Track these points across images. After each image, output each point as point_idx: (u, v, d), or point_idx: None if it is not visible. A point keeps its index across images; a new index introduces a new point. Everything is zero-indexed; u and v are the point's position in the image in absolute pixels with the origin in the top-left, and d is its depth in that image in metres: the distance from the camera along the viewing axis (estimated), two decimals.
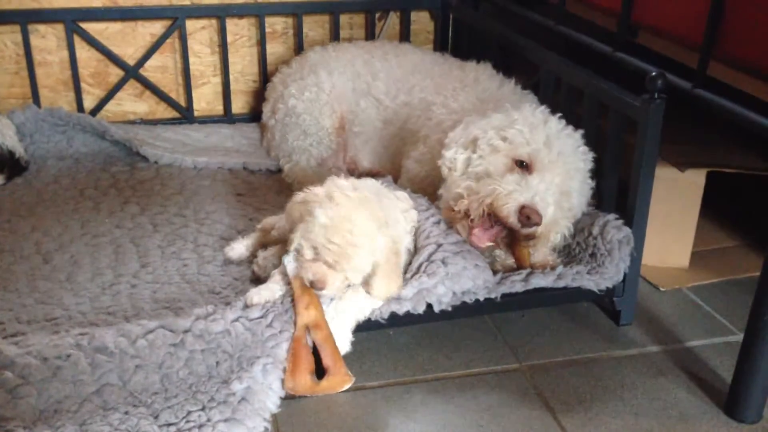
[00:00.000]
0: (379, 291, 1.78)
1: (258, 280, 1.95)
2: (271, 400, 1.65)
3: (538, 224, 1.81)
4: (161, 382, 1.66)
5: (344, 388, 1.74)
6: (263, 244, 2.06)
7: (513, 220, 1.82)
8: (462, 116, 2.13)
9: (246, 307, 1.76)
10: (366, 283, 1.78)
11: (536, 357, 1.91)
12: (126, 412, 1.59)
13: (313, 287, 1.73)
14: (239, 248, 2.08)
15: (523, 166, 1.87)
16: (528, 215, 1.80)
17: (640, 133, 1.86)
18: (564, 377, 1.84)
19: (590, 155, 1.96)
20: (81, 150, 2.77)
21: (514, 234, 1.88)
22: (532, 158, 1.86)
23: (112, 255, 2.15)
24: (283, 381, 1.68)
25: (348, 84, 2.61)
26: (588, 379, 1.83)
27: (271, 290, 1.77)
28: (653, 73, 1.80)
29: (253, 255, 2.04)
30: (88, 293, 1.97)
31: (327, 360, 1.72)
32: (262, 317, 1.72)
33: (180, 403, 1.62)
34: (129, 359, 1.66)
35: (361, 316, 1.79)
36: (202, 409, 1.60)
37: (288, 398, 1.70)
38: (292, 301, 1.75)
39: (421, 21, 3.13)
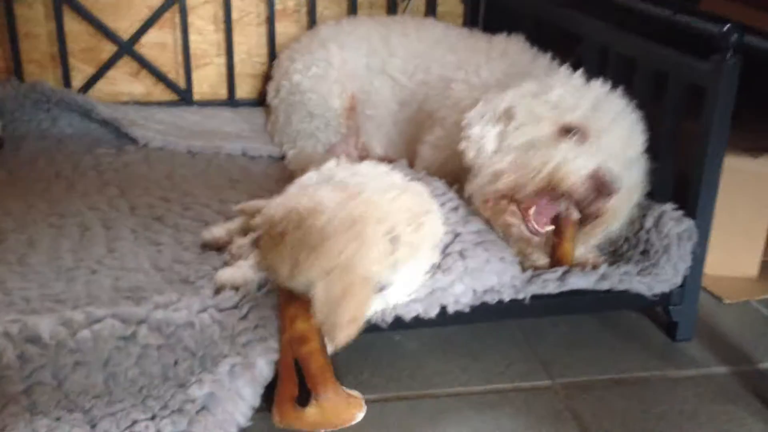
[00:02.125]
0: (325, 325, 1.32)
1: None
2: (240, 411, 1.32)
3: (612, 195, 1.49)
4: (105, 384, 1.34)
5: (355, 419, 1.35)
6: (246, 231, 1.75)
7: (583, 190, 1.50)
8: (484, 93, 1.82)
9: (216, 291, 1.44)
10: None
11: (573, 374, 1.57)
12: (57, 418, 1.28)
13: None
14: (218, 231, 1.77)
15: (572, 135, 1.55)
16: (602, 182, 1.48)
17: (709, 102, 1.53)
18: (607, 399, 1.49)
19: (642, 124, 1.64)
20: (65, 131, 2.49)
21: (562, 221, 1.57)
22: (584, 124, 1.54)
23: (76, 238, 1.84)
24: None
25: (361, 60, 2.30)
26: (637, 403, 1.48)
27: (244, 274, 1.45)
28: (726, 27, 1.47)
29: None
30: (38, 278, 1.66)
31: (309, 380, 1.33)
32: (235, 307, 1.40)
33: (125, 409, 1.30)
34: (67, 354, 1.34)
35: None
36: (152, 419, 1.29)
37: (262, 410, 1.37)
38: (279, 313, 1.40)
39: (449, 2, 2.82)
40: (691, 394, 1.52)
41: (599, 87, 1.64)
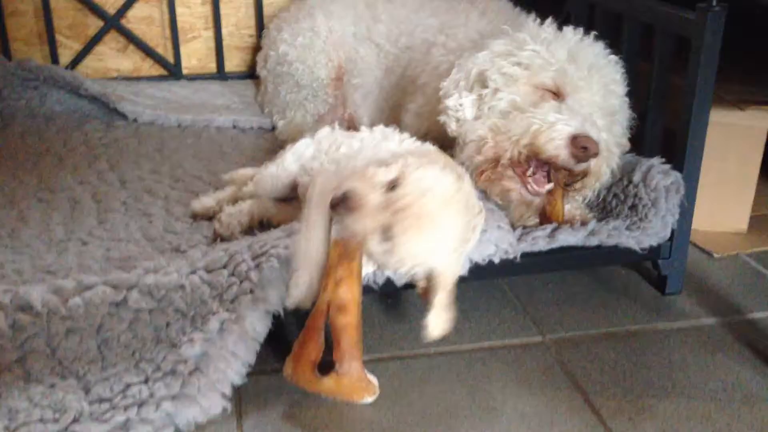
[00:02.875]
0: (434, 326, 1.32)
1: (222, 239, 1.63)
2: (233, 369, 1.31)
3: (596, 155, 1.48)
4: (98, 349, 1.35)
5: (363, 401, 1.35)
6: (235, 200, 1.75)
7: (564, 155, 1.49)
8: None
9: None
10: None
11: (564, 329, 1.58)
12: (52, 385, 1.29)
13: None
14: (207, 201, 1.77)
15: (549, 94, 1.54)
16: (584, 145, 1.46)
17: (694, 53, 1.52)
18: (598, 353, 1.50)
19: (621, 65, 1.62)
20: (55, 108, 2.49)
21: (555, 179, 1.56)
22: (560, 81, 1.53)
23: (67, 211, 1.85)
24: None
25: (348, 29, 2.28)
26: (628, 356, 1.49)
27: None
28: None
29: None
30: (30, 250, 1.67)
31: (337, 352, 1.32)
32: (224, 267, 1.40)
33: (118, 373, 1.31)
34: (59, 321, 1.34)
35: None
36: (145, 382, 1.29)
37: (256, 374, 1.38)
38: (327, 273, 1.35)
39: None
40: (681, 344, 1.52)
41: (571, 36, 1.61)
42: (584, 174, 1.55)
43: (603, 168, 1.56)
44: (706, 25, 1.48)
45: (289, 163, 1.59)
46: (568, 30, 1.62)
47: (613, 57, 1.62)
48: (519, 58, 1.59)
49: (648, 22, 1.68)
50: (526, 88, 1.58)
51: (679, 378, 1.43)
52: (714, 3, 1.47)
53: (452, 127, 1.67)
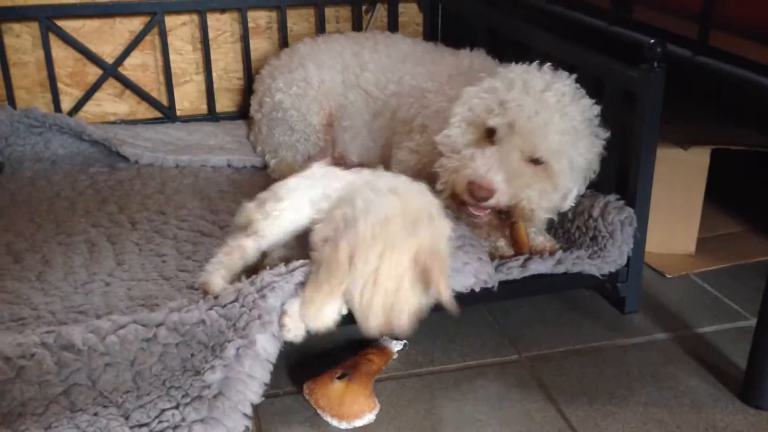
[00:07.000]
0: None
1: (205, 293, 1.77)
2: (251, 390, 1.49)
3: (486, 198, 1.72)
4: (133, 380, 1.54)
5: (360, 417, 1.57)
6: None
7: (467, 197, 1.74)
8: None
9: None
10: None
11: (537, 347, 1.80)
12: (95, 413, 1.47)
13: None
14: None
15: (492, 135, 1.76)
16: (471, 191, 1.72)
17: (639, 106, 1.76)
18: (567, 368, 1.73)
19: (584, 111, 1.77)
20: (58, 152, 2.66)
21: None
22: (496, 125, 1.75)
23: (86, 254, 2.03)
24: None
25: (337, 77, 2.50)
26: (592, 369, 1.72)
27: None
28: (651, 41, 1.70)
29: None
30: (59, 292, 1.85)
31: (355, 367, 1.63)
32: (235, 300, 1.59)
33: (153, 401, 1.49)
34: (98, 357, 1.53)
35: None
36: (177, 407, 1.48)
37: (271, 396, 1.59)
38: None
39: (409, 12, 3.04)
40: (638, 358, 1.75)
41: (537, 83, 1.75)
42: (498, 208, 1.76)
43: (522, 205, 1.73)
44: (648, 83, 1.71)
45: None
46: (537, 77, 1.76)
47: (574, 103, 1.76)
48: (472, 103, 1.80)
49: (597, 75, 1.91)
50: (474, 130, 1.79)
51: (637, 388, 1.66)
52: (655, 64, 1.71)
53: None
